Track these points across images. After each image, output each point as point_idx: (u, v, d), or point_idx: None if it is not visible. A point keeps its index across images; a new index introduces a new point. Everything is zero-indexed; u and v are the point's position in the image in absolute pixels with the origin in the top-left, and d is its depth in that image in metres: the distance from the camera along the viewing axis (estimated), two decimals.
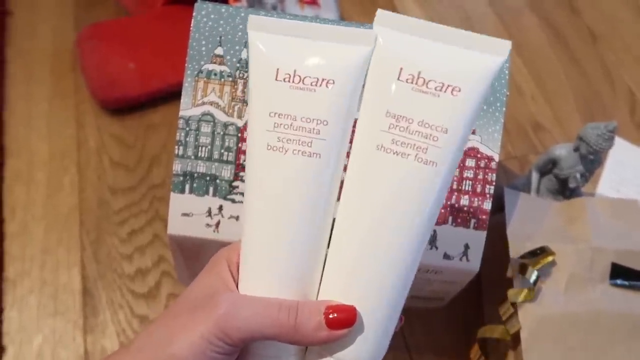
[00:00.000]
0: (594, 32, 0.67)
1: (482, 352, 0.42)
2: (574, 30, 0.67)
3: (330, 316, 0.25)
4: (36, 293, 0.48)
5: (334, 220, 0.27)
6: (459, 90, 0.24)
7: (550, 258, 0.40)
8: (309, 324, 0.25)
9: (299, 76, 0.25)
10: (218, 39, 0.38)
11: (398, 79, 0.25)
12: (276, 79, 0.25)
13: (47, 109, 0.57)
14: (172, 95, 0.56)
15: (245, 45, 0.38)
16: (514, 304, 0.39)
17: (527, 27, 0.67)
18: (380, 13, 0.25)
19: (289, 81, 0.25)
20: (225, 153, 0.37)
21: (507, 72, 0.38)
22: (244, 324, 0.25)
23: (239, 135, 0.38)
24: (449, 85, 0.24)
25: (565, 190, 0.48)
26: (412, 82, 0.24)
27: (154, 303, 0.48)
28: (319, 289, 0.27)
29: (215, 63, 0.38)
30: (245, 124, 0.38)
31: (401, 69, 0.24)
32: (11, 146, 0.55)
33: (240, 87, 0.38)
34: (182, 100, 0.37)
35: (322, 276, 0.27)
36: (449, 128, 0.24)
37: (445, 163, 0.24)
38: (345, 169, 0.26)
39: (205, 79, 0.38)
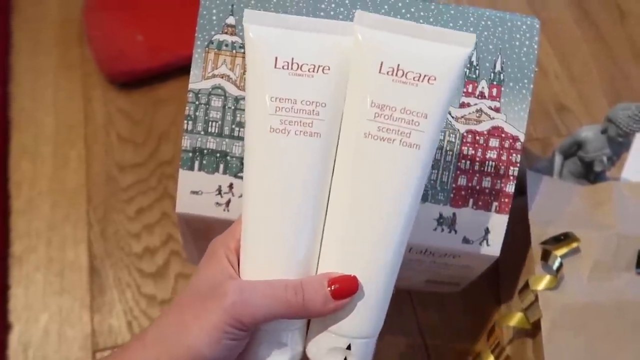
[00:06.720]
0: (622, 9, 0.64)
1: (499, 340, 0.41)
2: (601, 6, 0.64)
3: (334, 287, 0.27)
4: (42, 270, 0.47)
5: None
6: (435, 79, 0.27)
7: (574, 244, 0.39)
8: (316, 299, 0.26)
9: (297, 64, 0.27)
10: (230, 7, 0.36)
11: (379, 72, 0.27)
12: (275, 67, 0.27)
13: (53, 81, 0.56)
14: (182, 69, 0.54)
15: None
16: (534, 292, 0.38)
17: (552, 3, 0.64)
18: (358, 14, 0.28)
19: (287, 68, 0.27)
20: (237, 129, 0.36)
21: (536, 46, 0.36)
22: (255, 309, 0.26)
23: None
24: (425, 75, 0.27)
25: (589, 174, 0.46)
26: (392, 74, 0.27)
27: (162, 282, 0.47)
28: (317, 262, 0.29)
29: (226, 33, 0.36)
30: None
31: (382, 62, 0.27)
32: (17, 120, 0.54)
33: None
34: (191, 73, 0.36)
35: (319, 250, 0.29)
36: (428, 113, 0.27)
37: (427, 145, 0.27)
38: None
39: (216, 50, 0.36)
